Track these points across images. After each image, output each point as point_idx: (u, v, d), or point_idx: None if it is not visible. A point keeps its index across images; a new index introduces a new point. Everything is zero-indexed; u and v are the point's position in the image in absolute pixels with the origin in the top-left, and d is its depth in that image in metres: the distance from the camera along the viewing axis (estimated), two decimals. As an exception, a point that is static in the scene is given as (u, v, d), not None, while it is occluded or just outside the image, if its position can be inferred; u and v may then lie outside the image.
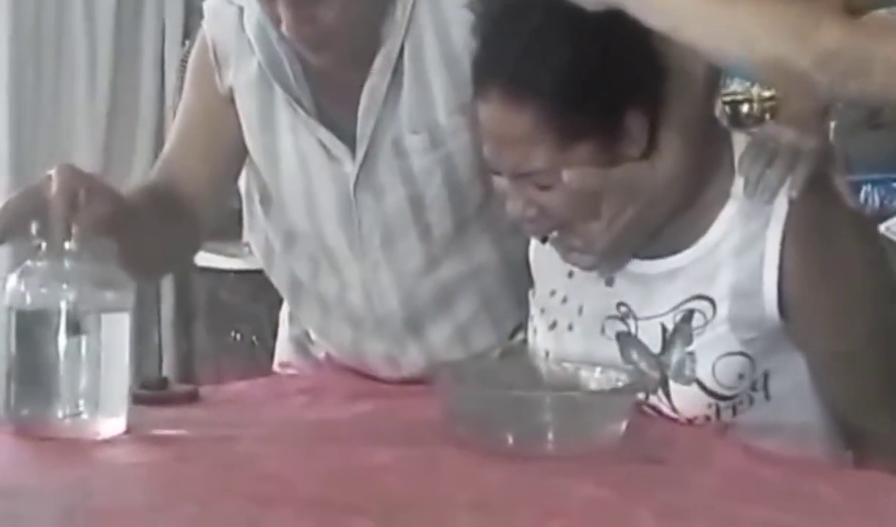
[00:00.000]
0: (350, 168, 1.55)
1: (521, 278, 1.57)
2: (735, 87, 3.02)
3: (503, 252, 1.60)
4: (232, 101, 1.62)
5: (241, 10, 1.58)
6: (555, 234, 1.40)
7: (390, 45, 1.50)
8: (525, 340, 1.59)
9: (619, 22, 1.22)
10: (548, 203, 1.33)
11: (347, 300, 1.63)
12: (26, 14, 3.90)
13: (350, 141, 1.54)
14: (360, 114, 1.52)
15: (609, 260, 1.40)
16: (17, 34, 3.89)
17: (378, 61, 1.50)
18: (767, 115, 3.01)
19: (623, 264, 1.42)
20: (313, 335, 1.76)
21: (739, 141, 1.39)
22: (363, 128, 1.52)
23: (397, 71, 1.51)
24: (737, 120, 3.00)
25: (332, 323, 1.68)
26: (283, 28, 1.43)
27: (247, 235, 1.80)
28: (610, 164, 1.31)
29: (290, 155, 1.58)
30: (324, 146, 1.56)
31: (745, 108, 3.05)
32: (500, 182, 1.35)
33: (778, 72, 1.19)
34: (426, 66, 1.51)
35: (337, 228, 1.59)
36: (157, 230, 1.53)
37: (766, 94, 3.00)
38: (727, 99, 3.03)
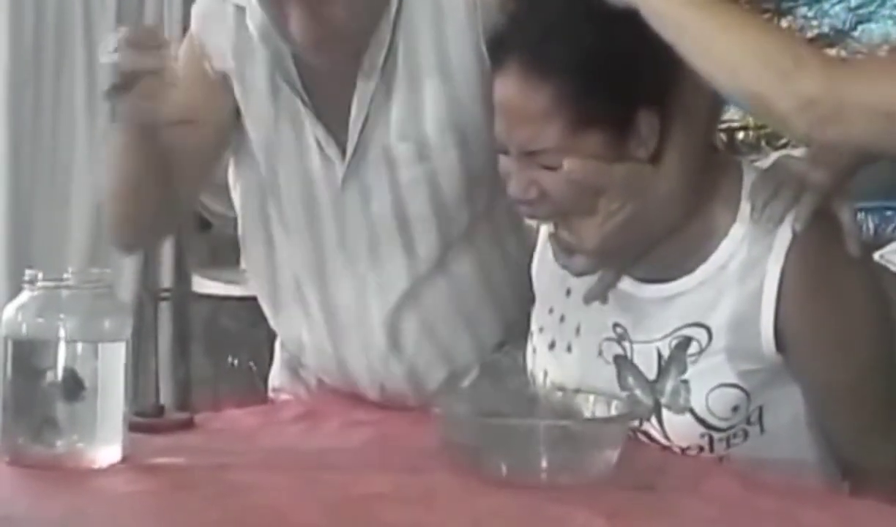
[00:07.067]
0: (340, 169, 1.57)
1: (504, 299, 1.63)
2: (731, 114, 3.03)
3: (486, 273, 1.64)
4: (222, 86, 1.62)
5: (239, 9, 1.58)
6: (552, 228, 1.41)
7: (380, 43, 1.51)
8: (506, 354, 1.61)
9: (642, 22, 1.23)
10: (550, 186, 1.33)
11: (330, 310, 1.64)
12: (25, 41, 3.91)
13: (343, 144, 1.57)
14: (351, 114, 1.54)
15: (598, 263, 1.39)
16: (16, 61, 3.90)
17: (367, 62, 1.52)
18: (763, 142, 3.02)
19: (614, 282, 1.42)
20: (300, 356, 1.75)
21: (750, 172, 1.39)
22: (353, 128, 1.54)
23: (391, 74, 1.53)
24: (733, 147, 3.01)
25: (314, 335, 1.69)
26: (292, 28, 1.43)
27: (244, 262, 1.80)
28: (616, 160, 1.32)
29: (291, 149, 1.60)
30: (319, 144, 1.58)
31: (741, 135, 3.06)
32: (506, 162, 1.36)
33: (760, 108, 1.20)
34: (420, 74, 1.53)
35: (327, 225, 1.61)
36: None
37: (762, 121, 3.02)
38: (723, 126, 3.04)
